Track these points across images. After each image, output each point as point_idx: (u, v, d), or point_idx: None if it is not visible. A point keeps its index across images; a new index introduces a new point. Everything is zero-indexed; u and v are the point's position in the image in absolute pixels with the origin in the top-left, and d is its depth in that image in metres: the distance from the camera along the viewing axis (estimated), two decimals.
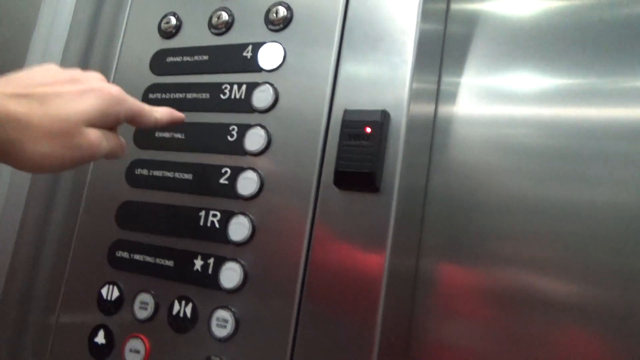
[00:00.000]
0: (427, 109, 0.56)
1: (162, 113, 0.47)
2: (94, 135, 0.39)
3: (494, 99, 0.57)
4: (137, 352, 0.52)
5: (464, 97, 0.58)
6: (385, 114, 0.47)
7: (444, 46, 0.60)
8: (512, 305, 0.50)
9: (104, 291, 0.56)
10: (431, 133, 0.57)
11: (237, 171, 0.52)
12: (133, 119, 0.44)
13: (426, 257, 0.54)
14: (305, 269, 0.48)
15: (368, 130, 0.47)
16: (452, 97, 0.58)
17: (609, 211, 0.49)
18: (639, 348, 0.46)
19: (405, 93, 0.48)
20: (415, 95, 0.49)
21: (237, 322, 0.49)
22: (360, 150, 0.46)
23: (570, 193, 0.51)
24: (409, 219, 0.51)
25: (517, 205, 0.52)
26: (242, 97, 0.55)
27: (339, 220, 0.47)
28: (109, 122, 0.41)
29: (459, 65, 0.59)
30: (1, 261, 0.63)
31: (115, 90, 0.42)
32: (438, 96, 0.59)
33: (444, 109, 0.58)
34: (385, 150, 0.47)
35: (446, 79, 0.59)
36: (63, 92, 0.38)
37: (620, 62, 0.52)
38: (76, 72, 0.41)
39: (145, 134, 0.59)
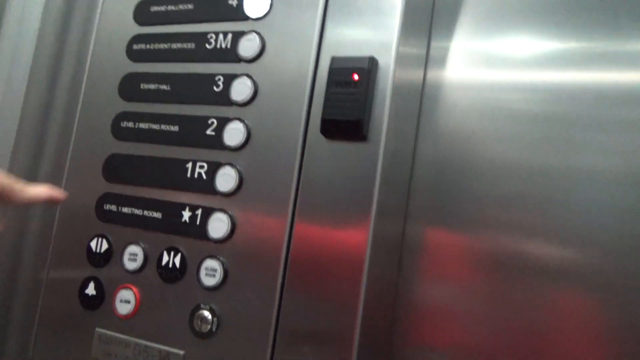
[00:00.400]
0: (415, 73, 0.55)
1: (37, 191, 0.45)
2: None
3: (486, 63, 0.55)
4: (128, 302, 0.52)
5: (454, 61, 0.56)
6: (373, 61, 0.46)
7: (434, 8, 0.58)
8: (499, 270, 0.50)
9: (93, 244, 0.56)
10: (419, 99, 0.56)
11: (223, 122, 0.52)
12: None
13: (413, 221, 0.54)
14: (292, 220, 0.48)
15: (355, 77, 0.46)
16: (441, 61, 0.57)
17: (603, 177, 0.48)
18: (627, 311, 0.46)
19: (393, 40, 0.47)
20: (403, 44, 0.48)
21: (226, 272, 0.49)
22: (347, 97, 0.46)
23: (562, 159, 0.50)
24: (396, 172, 0.51)
25: (508, 170, 0.52)
26: (228, 46, 0.53)
27: (326, 170, 0.47)
28: None
29: (449, 29, 0.57)
30: None
31: None
32: (427, 61, 0.57)
33: (433, 74, 0.57)
34: (373, 98, 0.46)
35: (436, 44, 0.57)
36: None
37: (618, 24, 0.51)
38: None
39: (129, 86, 0.58)
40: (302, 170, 0.48)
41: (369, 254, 0.45)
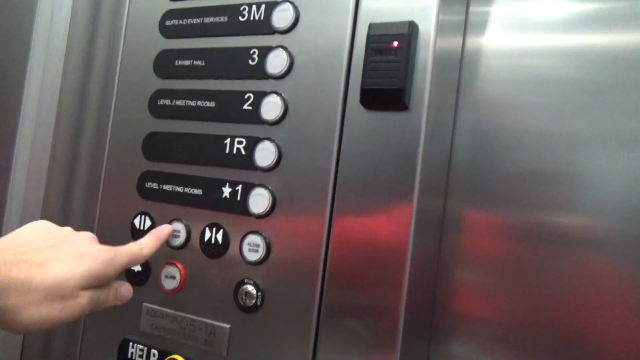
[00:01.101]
0: (455, 40, 0.52)
1: (149, 246, 0.48)
2: (86, 298, 0.40)
3: (523, 28, 0.52)
4: (173, 277, 0.53)
5: (493, 27, 0.53)
6: (413, 26, 0.44)
7: None
8: (538, 245, 0.49)
9: (136, 221, 0.57)
10: (459, 68, 0.54)
11: (260, 96, 0.51)
12: (126, 268, 0.46)
13: (453, 196, 0.53)
14: (333, 193, 0.47)
15: (395, 44, 0.44)
16: (480, 27, 0.54)
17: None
18: None
19: (434, 5, 0.45)
20: (443, 9, 0.46)
21: (268, 247, 0.49)
22: (387, 65, 0.44)
23: (602, 125, 0.47)
24: (438, 143, 0.49)
25: (547, 140, 0.49)
26: (262, 17, 0.52)
27: (367, 141, 0.46)
28: (101, 283, 0.42)
29: None
30: (34, 203, 0.65)
31: (106, 254, 0.43)
32: (466, 27, 0.54)
33: (472, 41, 0.54)
34: (414, 66, 0.45)
35: (474, 9, 0.54)
36: (60, 257, 0.40)
37: None
38: (69, 233, 0.44)
39: (164, 63, 0.57)
40: (342, 143, 0.47)
41: (413, 229, 0.44)
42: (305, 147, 0.49)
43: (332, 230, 0.47)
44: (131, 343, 0.55)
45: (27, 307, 0.37)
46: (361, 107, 0.46)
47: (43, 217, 0.65)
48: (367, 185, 0.46)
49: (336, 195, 0.47)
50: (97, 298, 0.42)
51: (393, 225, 0.44)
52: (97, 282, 0.42)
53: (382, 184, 0.45)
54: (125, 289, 0.46)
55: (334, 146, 0.48)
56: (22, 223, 0.62)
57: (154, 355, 0.53)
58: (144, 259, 0.48)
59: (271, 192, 0.49)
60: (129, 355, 0.55)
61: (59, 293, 0.38)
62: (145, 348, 0.54)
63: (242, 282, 0.50)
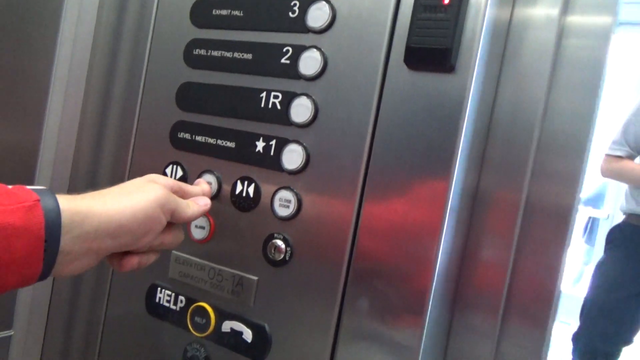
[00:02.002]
0: (504, 9, 0.50)
1: (198, 209, 0.47)
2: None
3: (569, 7, 0.49)
4: (202, 227, 0.54)
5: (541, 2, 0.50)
6: None
7: None
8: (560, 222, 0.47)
9: (168, 171, 0.57)
10: (505, 37, 0.51)
11: (299, 50, 0.50)
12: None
13: (487, 169, 0.51)
14: (369, 151, 0.46)
15: (446, 1, 0.42)
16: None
17: None
18: None
19: None
20: None
21: (300, 203, 0.49)
22: (435, 24, 0.43)
23: None
24: (481, 112, 0.48)
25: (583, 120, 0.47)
26: None
27: (408, 102, 0.45)
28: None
29: None
30: (66, 151, 0.65)
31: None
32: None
33: (520, 12, 0.51)
34: (464, 26, 0.43)
35: None
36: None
37: None
38: None
39: (201, 12, 0.56)
40: (382, 102, 0.46)
41: (450, 198, 0.43)
42: (343, 105, 0.48)
43: (365, 193, 0.46)
44: (159, 288, 0.56)
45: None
46: (404, 66, 0.45)
47: (74, 165, 0.66)
48: (405, 147, 0.45)
49: (372, 156, 0.46)
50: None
51: (429, 192, 0.44)
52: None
53: (421, 147, 0.44)
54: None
55: (373, 105, 0.47)
56: (54, 172, 0.63)
57: (181, 302, 0.54)
58: (187, 218, 0.46)
59: (305, 148, 0.49)
60: (157, 300, 0.56)
61: None
62: (173, 294, 0.55)
63: (271, 237, 0.50)
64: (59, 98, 0.62)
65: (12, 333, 0.60)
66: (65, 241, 0.35)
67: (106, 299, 0.62)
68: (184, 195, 0.47)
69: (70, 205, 0.36)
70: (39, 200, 0.34)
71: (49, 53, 0.60)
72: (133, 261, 0.42)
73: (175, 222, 0.45)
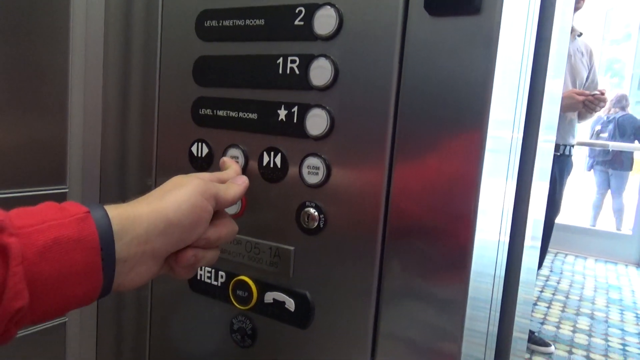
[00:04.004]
0: None
1: (237, 189, 0.47)
2: None
3: None
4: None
5: None
6: None
7: None
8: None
9: (194, 149, 0.57)
10: None
11: (312, 9, 0.47)
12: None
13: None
14: (395, 108, 0.44)
15: None
16: None
17: None
18: None
19: None
20: None
21: (328, 169, 0.48)
22: None
23: None
24: (512, 55, 0.45)
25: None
26: None
27: (432, 52, 0.42)
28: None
29: None
30: (93, 139, 0.65)
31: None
32: None
33: None
34: None
35: None
36: None
37: None
38: None
39: None
40: (404, 56, 0.44)
41: (485, 151, 0.41)
42: (364, 62, 0.46)
43: (395, 152, 0.45)
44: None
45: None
46: (425, 14, 0.42)
47: (103, 155, 0.66)
48: (434, 100, 0.43)
49: (399, 114, 0.44)
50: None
51: (463, 145, 0.42)
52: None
53: (450, 98, 0.42)
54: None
55: (395, 59, 0.44)
56: (84, 159, 0.64)
57: (221, 277, 0.55)
58: (228, 202, 0.46)
59: (329, 112, 0.47)
60: (198, 277, 0.57)
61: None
62: (213, 270, 0.56)
63: (303, 205, 0.49)
64: (79, 90, 0.62)
65: (67, 320, 0.63)
66: (119, 247, 0.36)
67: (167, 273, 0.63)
68: (221, 182, 0.47)
69: (118, 212, 0.37)
70: (89, 212, 0.35)
71: (62, 45, 0.59)
72: (188, 254, 0.42)
73: (221, 208, 0.45)
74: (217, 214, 0.46)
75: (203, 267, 0.57)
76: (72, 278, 0.33)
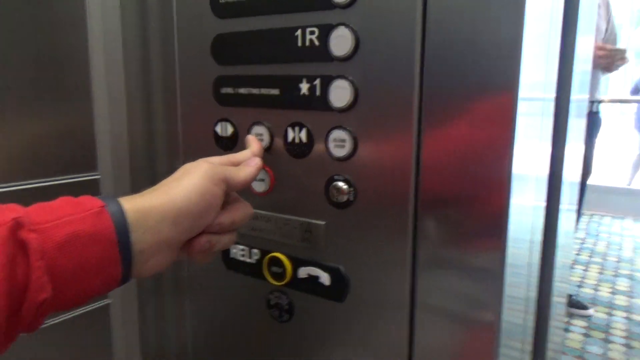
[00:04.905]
0: None
1: (250, 171, 0.47)
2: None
3: None
4: (262, 180, 0.53)
5: None
6: None
7: None
8: None
9: (218, 129, 0.56)
10: None
11: None
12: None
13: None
14: (421, 73, 0.43)
15: None
16: None
17: None
18: None
19: None
20: None
21: (355, 141, 0.47)
22: None
23: None
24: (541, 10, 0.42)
25: None
26: None
27: (456, 13, 0.40)
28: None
29: None
30: (119, 126, 0.66)
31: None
32: None
33: None
34: None
35: None
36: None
37: None
38: None
39: None
40: (427, 15, 0.42)
41: (518, 112, 0.39)
42: (385, 28, 0.44)
43: (423, 119, 0.43)
44: None
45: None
46: None
47: (130, 138, 0.67)
48: (460, 63, 0.41)
49: (424, 79, 0.43)
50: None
51: (493, 111, 0.40)
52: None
53: (479, 62, 0.40)
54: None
55: (417, 23, 0.42)
56: (113, 146, 0.65)
57: (255, 254, 0.56)
58: (239, 184, 0.46)
59: (352, 82, 0.46)
60: (232, 255, 0.58)
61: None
62: (247, 248, 0.56)
63: (332, 179, 0.49)
64: (101, 77, 0.62)
65: (110, 301, 0.65)
66: (135, 239, 0.36)
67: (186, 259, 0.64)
68: (235, 164, 0.47)
69: (132, 205, 0.37)
70: (104, 206, 0.36)
71: (81, 34, 0.59)
72: (202, 240, 0.42)
73: (233, 190, 0.45)
74: (232, 197, 0.46)
75: (236, 246, 0.57)
76: (92, 270, 0.34)
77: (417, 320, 0.47)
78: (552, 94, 0.53)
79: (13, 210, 0.32)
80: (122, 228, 0.36)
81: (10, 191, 0.54)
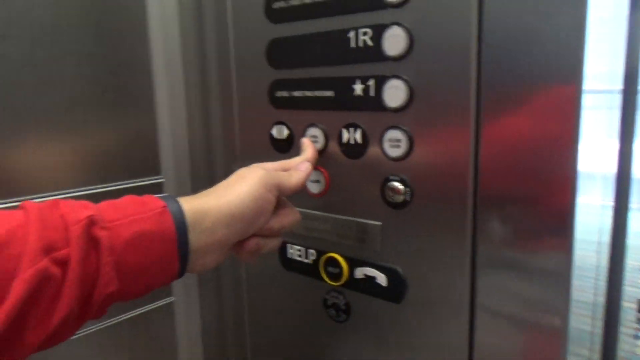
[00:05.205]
0: None
1: (301, 175, 0.48)
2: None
3: None
4: (318, 181, 0.54)
5: None
6: None
7: None
8: None
9: (274, 132, 0.58)
10: None
11: None
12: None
13: None
14: (478, 71, 0.42)
15: None
16: None
17: None
18: None
19: None
20: None
21: (411, 140, 0.47)
22: None
23: None
24: None
25: None
26: None
27: (514, 2, 0.39)
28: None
29: None
30: (180, 136, 0.68)
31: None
32: None
33: None
34: None
35: None
36: None
37: None
38: None
39: None
40: (483, 12, 0.41)
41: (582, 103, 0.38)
42: (439, 23, 0.43)
43: (481, 116, 0.42)
44: (289, 245, 0.59)
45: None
46: None
47: (191, 143, 0.70)
48: (520, 58, 0.40)
49: (482, 76, 0.42)
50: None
51: (556, 106, 0.39)
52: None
53: (540, 55, 0.38)
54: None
55: (473, 17, 0.41)
56: (174, 151, 0.68)
57: (312, 255, 0.56)
58: (292, 190, 0.47)
59: (406, 82, 0.46)
60: (289, 256, 0.59)
61: None
62: (303, 248, 0.57)
63: (387, 180, 0.48)
64: (163, 85, 0.65)
65: (174, 299, 0.68)
66: (191, 239, 0.39)
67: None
68: (286, 170, 0.48)
69: (190, 206, 0.39)
70: (166, 206, 0.38)
71: (143, 42, 0.63)
72: (251, 243, 0.44)
73: (285, 195, 0.46)
74: (281, 202, 0.47)
75: (293, 246, 0.58)
76: (153, 266, 0.37)
77: (478, 323, 0.46)
78: (619, 86, 0.50)
79: (87, 208, 0.35)
80: (181, 227, 0.38)
81: (84, 195, 0.58)
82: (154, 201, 0.38)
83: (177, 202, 0.39)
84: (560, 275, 0.41)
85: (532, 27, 0.39)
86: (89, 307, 0.34)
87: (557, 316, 0.41)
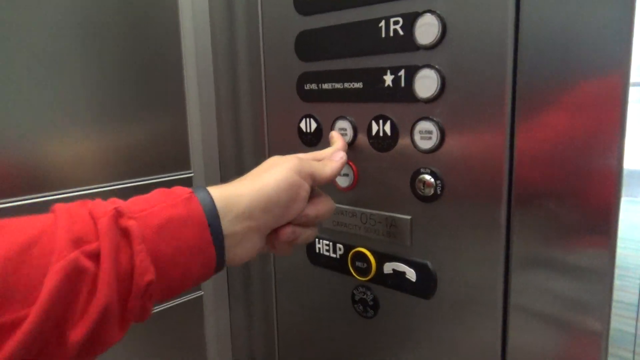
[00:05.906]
0: None
1: (335, 165, 0.47)
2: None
3: None
4: (347, 175, 0.53)
5: None
6: None
7: None
8: None
9: (302, 125, 0.57)
10: None
11: None
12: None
13: None
14: (514, 62, 0.40)
15: None
16: None
17: None
18: None
19: None
20: None
21: (442, 132, 0.45)
22: None
23: None
24: None
25: None
26: None
27: None
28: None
29: None
30: (209, 132, 0.69)
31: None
32: None
33: None
34: None
35: None
36: None
37: None
38: None
39: None
40: (521, 3, 0.39)
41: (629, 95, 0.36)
42: (474, 10, 0.42)
43: (516, 108, 0.40)
44: (317, 239, 0.58)
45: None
46: None
47: (220, 138, 0.70)
48: (560, 47, 0.38)
49: (518, 66, 0.40)
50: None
51: (598, 93, 0.36)
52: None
53: (584, 44, 0.36)
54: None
55: (511, 3, 0.40)
56: (204, 145, 0.68)
57: (339, 249, 0.56)
58: (326, 179, 0.46)
59: (438, 71, 0.44)
60: (317, 250, 0.58)
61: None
62: (331, 243, 0.56)
63: (418, 172, 0.47)
64: (193, 82, 0.66)
65: (203, 293, 0.69)
66: (225, 224, 0.38)
67: (272, 254, 0.66)
68: (319, 160, 0.47)
69: (220, 192, 0.39)
70: (192, 192, 0.38)
71: (174, 42, 0.63)
72: (287, 230, 0.43)
73: (319, 184, 0.46)
74: (316, 192, 0.46)
75: (321, 241, 0.58)
76: (188, 252, 0.36)
77: (511, 322, 0.44)
78: None
79: (113, 202, 0.35)
80: (211, 212, 0.38)
81: (116, 189, 0.59)
82: (180, 189, 0.38)
83: (205, 189, 0.39)
84: (601, 274, 0.39)
85: (575, 16, 0.37)
86: (129, 304, 0.33)
87: (598, 317, 0.39)
